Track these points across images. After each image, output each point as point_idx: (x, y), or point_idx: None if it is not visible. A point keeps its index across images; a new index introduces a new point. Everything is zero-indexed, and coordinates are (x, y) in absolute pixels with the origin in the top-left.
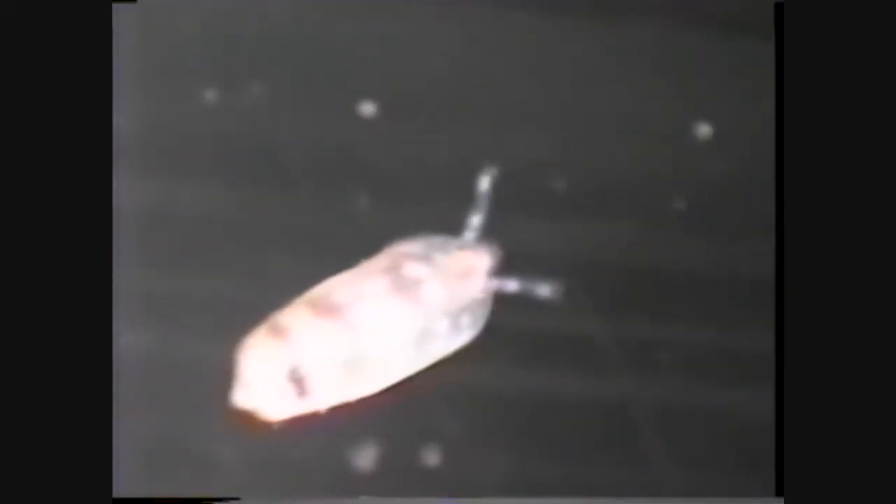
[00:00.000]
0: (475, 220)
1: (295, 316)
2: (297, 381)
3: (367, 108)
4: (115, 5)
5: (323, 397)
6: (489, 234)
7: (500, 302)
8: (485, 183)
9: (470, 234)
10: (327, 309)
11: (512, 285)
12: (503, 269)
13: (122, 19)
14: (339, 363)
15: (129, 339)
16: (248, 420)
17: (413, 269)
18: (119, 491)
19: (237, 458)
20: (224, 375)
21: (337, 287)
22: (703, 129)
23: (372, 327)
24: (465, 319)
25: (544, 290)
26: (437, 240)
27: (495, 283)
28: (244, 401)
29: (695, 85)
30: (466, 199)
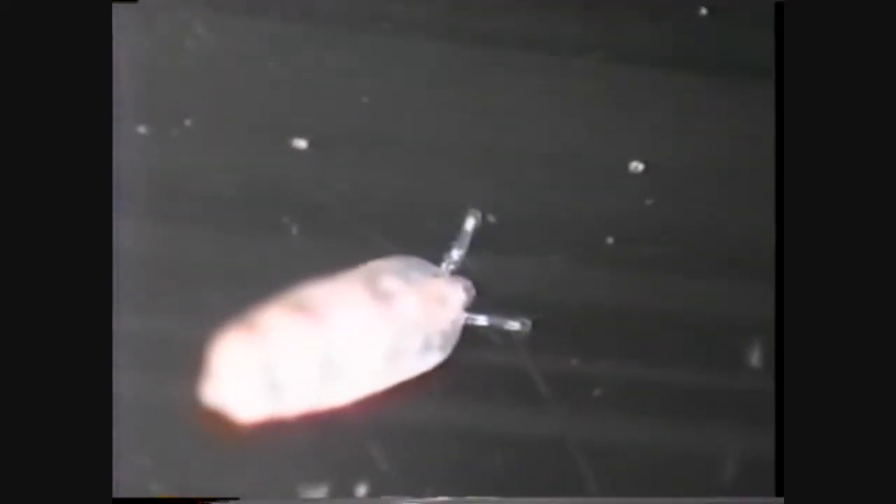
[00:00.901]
0: (455, 254)
1: (270, 314)
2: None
3: (300, 143)
4: (115, 5)
5: (293, 401)
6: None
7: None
8: (470, 222)
9: (448, 266)
10: (303, 308)
11: (482, 320)
12: (475, 305)
13: (122, 19)
14: (311, 365)
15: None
16: (217, 419)
17: (389, 282)
18: (119, 491)
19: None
20: None
21: (314, 289)
22: (635, 165)
23: (346, 332)
24: (437, 340)
25: (514, 324)
26: (414, 260)
27: (466, 317)
28: (214, 398)
29: (630, 120)
30: (399, 232)
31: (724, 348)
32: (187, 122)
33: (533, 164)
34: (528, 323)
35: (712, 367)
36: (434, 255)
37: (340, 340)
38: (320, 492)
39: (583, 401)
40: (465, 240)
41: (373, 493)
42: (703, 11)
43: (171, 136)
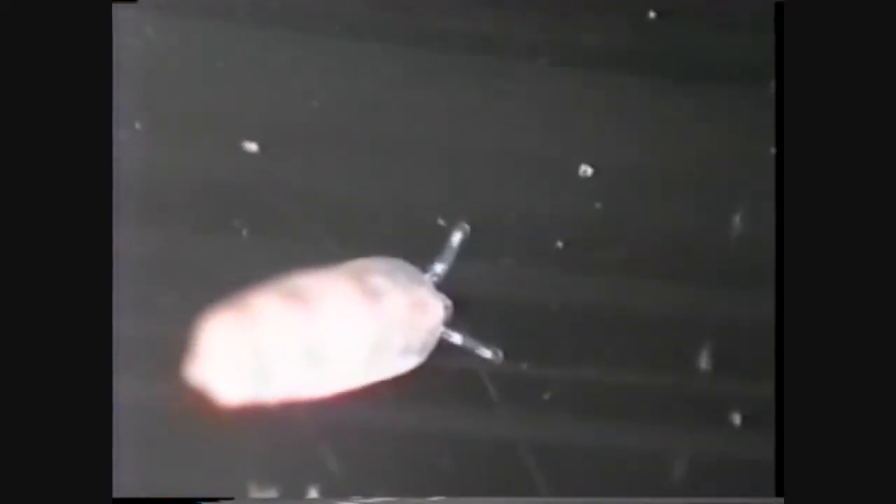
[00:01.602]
0: (439, 268)
1: (262, 298)
2: None
3: (251, 146)
4: (115, 5)
5: (277, 386)
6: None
7: None
8: (456, 238)
9: (431, 277)
10: (295, 296)
11: (457, 338)
12: (453, 321)
13: (122, 19)
14: (297, 352)
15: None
16: (200, 399)
17: (378, 281)
18: (119, 491)
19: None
20: None
21: (306, 280)
22: (584, 168)
23: (335, 323)
24: (416, 345)
25: (486, 352)
26: (398, 263)
27: (443, 331)
28: (199, 376)
29: (579, 124)
30: (349, 234)
31: (675, 350)
32: (137, 125)
33: (485, 167)
34: (501, 354)
35: (663, 368)
36: (385, 256)
37: (328, 331)
38: (271, 493)
39: (533, 403)
40: (451, 253)
41: (324, 495)
42: (652, 15)
43: (121, 139)
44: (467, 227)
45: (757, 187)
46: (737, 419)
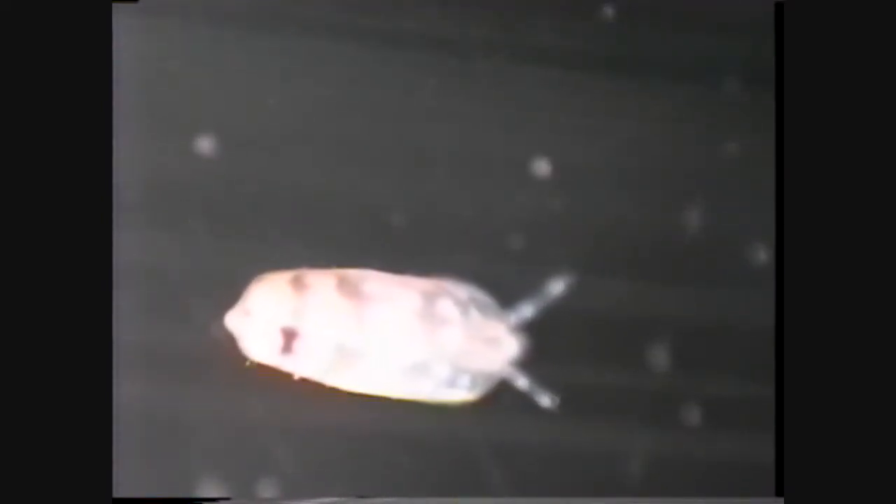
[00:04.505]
0: (526, 310)
1: (320, 281)
2: (288, 336)
3: (205, 145)
4: (115, 5)
5: (302, 365)
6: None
7: None
8: (557, 287)
9: (514, 316)
10: (352, 291)
11: (522, 381)
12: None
13: (122, 19)
14: (333, 344)
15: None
16: (226, 343)
17: (446, 308)
18: (119, 491)
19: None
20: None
21: (371, 279)
22: (542, 166)
23: (381, 332)
24: (464, 380)
25: (545, 399)
26: (482, 296)
27: (509, 371)
28: (232, 325)
29: (539, 122)
30: (308, 235)
31: (633, 348)
32: None
33: (442, 166)
34: (557, 401)
35: (620, 367)
36: (343, 259)
37: (371, 338)
38: (222, 492)
39: (491, 402)
40: (544, 300)
41: (279, 495)
42: (610, 13)
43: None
44: (570, 281)
45: (716, 187)
46: (695, 417)
